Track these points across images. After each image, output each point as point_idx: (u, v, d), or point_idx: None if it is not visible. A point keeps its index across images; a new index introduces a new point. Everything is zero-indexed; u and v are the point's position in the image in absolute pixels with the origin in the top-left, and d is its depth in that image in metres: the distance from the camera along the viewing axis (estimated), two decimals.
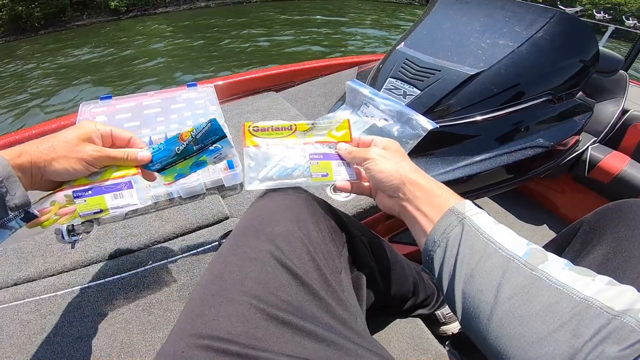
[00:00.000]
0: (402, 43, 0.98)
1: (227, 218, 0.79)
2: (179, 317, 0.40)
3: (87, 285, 0.64)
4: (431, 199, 0.43)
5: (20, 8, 12.30)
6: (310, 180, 0.51)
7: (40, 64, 8.03)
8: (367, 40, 9.24)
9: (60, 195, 0.46)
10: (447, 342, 0.86)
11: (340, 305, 0.44)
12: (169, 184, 0.51)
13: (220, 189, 0.86)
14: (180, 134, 0.51)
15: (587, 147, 1.16)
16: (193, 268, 0.69)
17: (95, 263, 0.68)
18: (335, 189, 0.86)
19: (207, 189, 0.85)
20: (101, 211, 0.47)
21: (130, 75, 6.71)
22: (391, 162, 0.46)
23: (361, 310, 0.54)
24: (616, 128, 1.23)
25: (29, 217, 0.43)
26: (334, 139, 0.54)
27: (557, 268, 0.32)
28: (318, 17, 11.67)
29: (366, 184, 0.53)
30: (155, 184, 0.77)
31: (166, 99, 0.98)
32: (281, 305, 0.39)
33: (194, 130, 0.50)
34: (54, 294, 0.63)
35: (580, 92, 0.94)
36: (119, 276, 0.66)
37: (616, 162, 1.11)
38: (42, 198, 0.46)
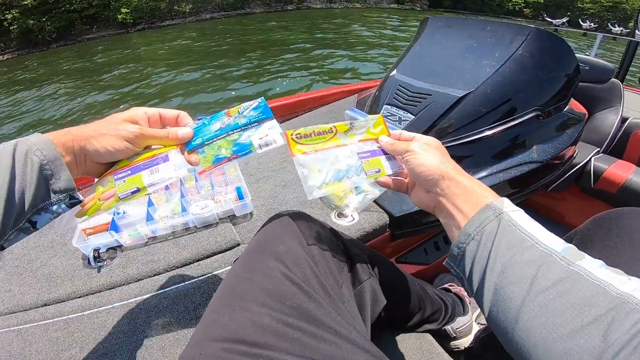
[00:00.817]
0: (395, 70, 1.04)
1: (238, 245, 0.84)
2: (196, 327, 0.45)
3: (111, 306, 0.70)
4: (469, 196, 0.42)
5: (31, 22, 12.84)
6: (366, 178, 0.50)
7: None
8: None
9: (105, 181, 0.46)
10: (461, 358, 0.85)
11: (340, 313, 0.48)
12: (204, 171, 0.47)
13: (231, 218, 0.92)
14: (227, 110, 0.49)
15: (591, 158, 1.16)
16: (208, 290, 0.74)
17: (119, 286, 0.74)
18: (340, 215, 0.91)
19: (219, 219, 0.91)
20: (138, 190, 0.45)
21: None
22: (432, 156, 0.47)
23: (364, 324, 0.57)
24: (618, 137, 1.24)
25: (73, 203, 0.43)
26: (373, 136, 0.54)
27: (594, 265, 0.32)
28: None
29: (405, 179, 0.54)
30: (170, 213, 0.85)
31: None
32: (287, 311, 0.43)
33: (242, 107, 0.49)
34: (81, 313, 0.69)
35: (570, 105, 0.97)
36: (140, 298, 0.71)
37: (621, 171, 1.11)
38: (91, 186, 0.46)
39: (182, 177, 0.50)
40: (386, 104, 0.98)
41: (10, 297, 0.72)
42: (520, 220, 0.37)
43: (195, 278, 0.75)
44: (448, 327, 0.84)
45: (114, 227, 0.79)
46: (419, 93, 0.92)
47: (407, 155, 0.48)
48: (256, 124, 0.49)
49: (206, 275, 0.76)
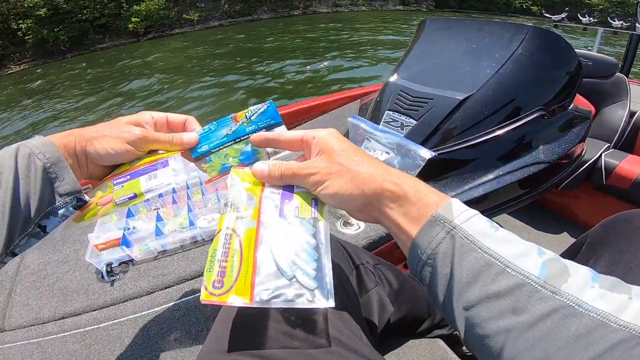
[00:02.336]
0: (395, 74, 1.04)
1: None
2: (207, 338, 0.47)
3: (125, 318, 0.72)
4: (406, 210, 0.34)
5: (45, 31, 13.14)
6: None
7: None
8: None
9: (104, 185, 0.45)
10: None
11: (346, 324, 0.48)
12: (211, 180, 0.45)
13: None
14: (234, 114, 0.46)
15: (601, 154, 1.14)
16: None
17: (132, 299, 0.76)
18: (346, 224, 0.91)
19: None
20: (135, 196, 0.43)
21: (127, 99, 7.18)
22: (343, 176, 0.36)
23: (372, 333, 0.58)
24: (627, 131, 1.22)
25: (80, 205, 0.42)
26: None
27: (584, 286, 0.26)
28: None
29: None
30: (179, 227, 0.87)
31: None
32: (292, 322, 0.44)
33: (249, 112, 0.45)
34: (97, 326, 0.71)
35: (574, 103, 0.96)
36: (152, 310, 0.73)
37: (633, 166, 1.08)
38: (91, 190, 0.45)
39: (181, 184, 0.48)
40: (388, 110, 0.98)
41: (29, 311, 0.75)
42: (479, 233, 0.30)
43: None
44: None
45: (125, 242, 0.81)
46: (420, 97, 0.92)
47: (315, 190, 0.37)
48: (264, 130, 0.45)
49: None
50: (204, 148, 0.45)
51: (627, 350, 0.23)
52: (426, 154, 0.78)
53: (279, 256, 0.34)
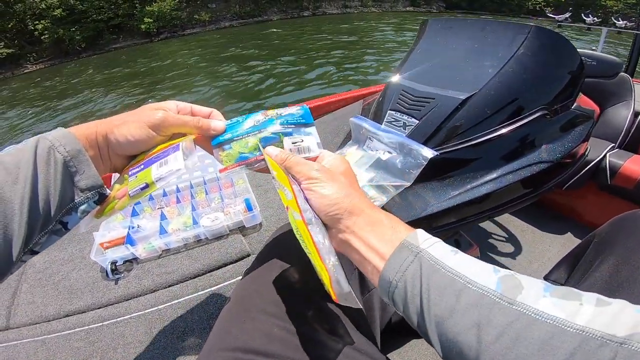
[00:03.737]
0: (398, 74, 1.03)
1: (248, 255, 0.86)
2: (209, 336, 0.47)
3: (129, 316, 0.72)
4: (382, 232, 0.37)
5: (62, 31, 13.37)
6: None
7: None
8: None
9: (121, 177, 0.43)
10: None
11: (347, 322, 0.48)
12: (225, 169, 0.42)
13: (241, 229, 0.94)
14: (264, 111, 0.46)
15: (606, 154, 1.13)
16: (220, 300, 0.76)
17: (136, 297, 0.76)
18: None
19: (229, 230, 0.93)
20: (147, 186, 0.40)
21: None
22: (338, 185, 0.39)
23: (374, 332, 0.58)
24: (632, 131, 1.21)
25: (102, 200, 0.41)
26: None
27: (537, 296, 0.28)
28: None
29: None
30: (182, 226, 0.87)
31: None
32: (295, 321, 0.44)
33: (281, 109, 0.46)
34: (100, 324, 0.72)
35: (578, 102, 0.95)
36: (156, 308, 0.73)
37: (638, 166, 1.07)
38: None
39: (192, 168, 0.43)
40: (390, 110, 0.98)
41: (34, 309, 0.76)
42: (442, 256, 0.33)
43: (208, 288, 0.78)
44: None
45: (129, 240, 0.82)
46: (422, 97, 0.91)
47: (309, 183, 0.39)
48: (293, 126, 0.44)
49: (218, 286, 0.78)
50: (227, 136, 0.44)
51: (586, 354, 0.24)
52: (428, 153, 0.78)
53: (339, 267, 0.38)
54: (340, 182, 0.40)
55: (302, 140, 0.44)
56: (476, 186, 0.86)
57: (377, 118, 1.02)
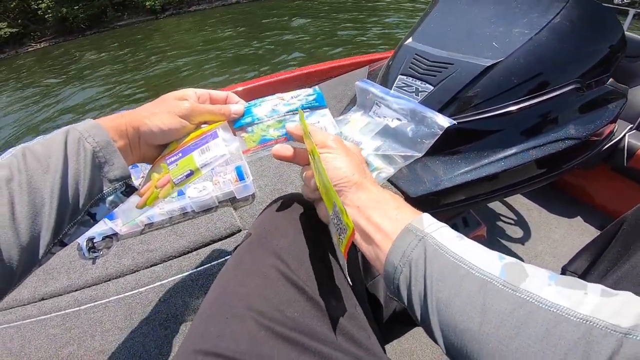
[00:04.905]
0: (410, 38, 0.93)
1: (239, 231, 0.79)
2: (188, 330, 0.41)
3: (107, 300, 0.67)
4: (386, 211, 0.37)
5: (65, 9, 13.12)
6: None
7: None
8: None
9: (158, 166, 0.44)
10: None
11: (351, 320, 0.42)
12: (249, 150, 0.46)
13: (232, 200, 0.86)
14: (280, 94, 0.50)
15: (625, 135, 1.06)
16: (207, 282, 0.70)
17: (115, 278, 0.70)
18: None
19: (219, 202, 0.85)
20: (192, 172, 0.43)
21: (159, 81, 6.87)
22: (351, 160, 0.40)
23: (376, 321, 0.52)
24: None
25: (129, 191, 0.41)
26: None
27: (541, 285, 0.28)
28: None
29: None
30: (169, 199, 0.79)
31: None
32: (287, 323, 0.38)
33: (295, 93, 0.50)
34: (77, 308, 0.66)
35: (611, 79, 0.85)
36: (136, 291, 0.68)
37: None
38: (146, 175, 0.44)
39: (235, 152, 0.46)
40: (401, 74, 0.87)
41: None
42: (446, 241, 0.33)
43: (194, 269, 0.71)
44: None
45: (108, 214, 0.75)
46: (439, 62, 0.82)
47: (324, 151, 0.40)
48: (308, 110, 0.49)
49: (205, 266, 0.72)
50: (248, 119, 0.47)
51: (590, 343, 0.24)
52: (444, 122, 0.69)
53: None
54: (353, 158, 0.41)
55: (319, 122, 0.48)
56: (494, 161, 0.79)
57: (386, 83, 0.91)
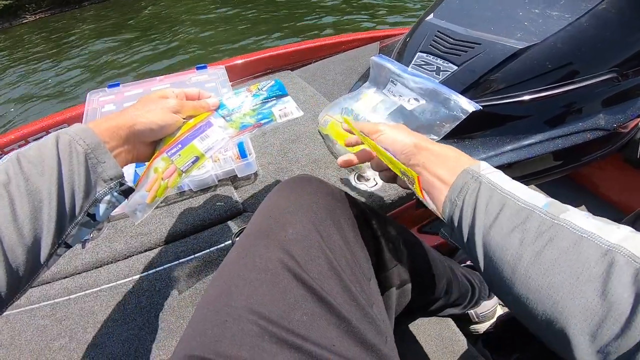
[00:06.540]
0: (432, 14, 0.86)
1: (241, 213, 0.74)
2: (184, 331, 0.37)
3: (99, 288, 0.62)
4: (446, 163, 0.41)
5: None
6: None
7: None
8: None
9: (158, 161, 0.46)
10: (478, 341, 0.80)
11: (367, 323, 0.38)
12: (234, 136, 0.51)
13: (233, 179, 0.81)
14: (248, 87, 0.57)
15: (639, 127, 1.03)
16: (206, 270, 0.65)
17: (107, 264, 0.66)
18: (360, 177, 0.79)
19: (218, 180, 0.80)
20: (197, 158, 0.47)
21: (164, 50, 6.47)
22: (402, 132, 0.45)
23: (389, 321, 0.49)
24: None
25: (124, 190, 0.42)
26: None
27: (579, 217, 0.31)
28: None
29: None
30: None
31: (175, 83, 0.93)
32: (293, 328, 0.34)
33: (261, 84, 0.58)
34: (67, 297, 0.62)
35: None
36: (130, 279, 0.63)
37: None
38: (143, 175, 0.46)
39: (232, 135, 0.52)
40: (420, 52, 0.80)
41: None
42: (499, 181, 0.36)
43: (192, 254, 0.67)
44: (471, 312, 0.77)
45: None
46: (465, 41, 0.76)
47: (377, 134, 0.46)
48: (274, 98, 0.57)
49: (204, 252, 0.67)
50: (225, 112, 0.53)
51: (612, 266, 0.26)
52: (469, 106, 0.63)
53: None
54: (400, 128, 0.46)
55: (285, 107, 0.56)
56: (515, 149, 0.76)
57: (402, 60, 0.84)
